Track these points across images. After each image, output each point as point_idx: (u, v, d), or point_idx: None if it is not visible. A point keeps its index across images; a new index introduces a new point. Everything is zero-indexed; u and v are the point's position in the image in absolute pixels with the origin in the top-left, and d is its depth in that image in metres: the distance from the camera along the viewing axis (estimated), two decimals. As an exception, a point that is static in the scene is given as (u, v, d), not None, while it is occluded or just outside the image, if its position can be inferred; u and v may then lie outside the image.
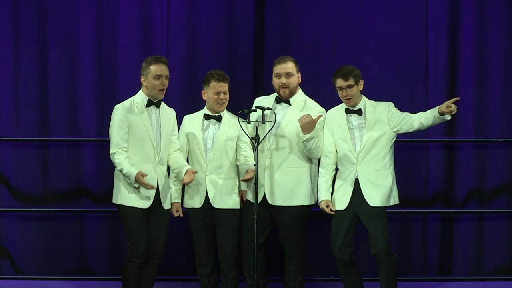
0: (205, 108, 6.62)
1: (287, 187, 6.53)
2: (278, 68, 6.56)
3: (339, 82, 6.38)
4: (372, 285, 6.64)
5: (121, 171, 6.27)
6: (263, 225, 6.54)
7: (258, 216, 6.34)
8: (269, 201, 6.52)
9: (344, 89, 6.37)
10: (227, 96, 6.56)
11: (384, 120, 6.42)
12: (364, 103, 6.46)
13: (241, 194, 6.62)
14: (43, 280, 7.58)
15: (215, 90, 6.50)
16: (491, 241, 7.69)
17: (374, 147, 6.39)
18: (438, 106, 6.31)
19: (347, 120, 6.46)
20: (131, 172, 6.21)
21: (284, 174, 6.54)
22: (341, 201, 6.44)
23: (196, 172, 6.41)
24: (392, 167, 6.46)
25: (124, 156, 6.26)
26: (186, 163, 6.50)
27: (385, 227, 6.39)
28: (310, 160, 6.59)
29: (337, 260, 6.48)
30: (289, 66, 6.55)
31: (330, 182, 6.50)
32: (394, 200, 6.47)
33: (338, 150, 6.48)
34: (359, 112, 6.44)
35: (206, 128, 6.57)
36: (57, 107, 7.64)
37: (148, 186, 6.24)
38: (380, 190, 6.38)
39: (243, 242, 6.54)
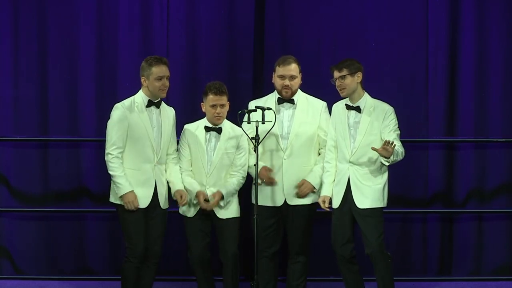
0: (205, 119, 6.59)
1: None
2: (282, 70, 6.56)
3: (334, 73, 6.41)
4: (374, 285, 6.63)
5: (112, 176, 6.28)
6: (279, 233, 6.63)
7: (275, 225, 6.55)
8: (289, 202, 6.54)
9: (337, 80, 6.39)
10: (225, 110, 6.52)
11: (378, 125, 6.40)
12: (365, 101, 6.44)
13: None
14: (43, 280, 7.58)
15: (212, 103, 6.48)
16: (491, 241, 7.69)
17: (367, 151, 6.37)
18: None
19: (347, 116, 6.46)
20: (124, 187, 6.25)
21: (302, 173, 6.56)
22: (335, 199, 6.47)
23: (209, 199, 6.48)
24: (384, 169, 6.43)
25: (120, 162, 6.28)
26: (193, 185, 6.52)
27: (379, 227, 6.38)
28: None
29: (337, 257, 6.49)
30: (292, 67, 6.55)
31: (333, 177, 6.50)
32: (383, 202, 6.43)
33: (337, 145, 6.49)
34: (358, 109, 6.44)
35: (208, 141, 6.56)
36: (57, 107, 7.64)
37: (130, 207, 6.27)
38: (369, 192, 6.36)
39: (258, 251, 6.39)
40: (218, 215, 6.52)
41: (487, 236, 7.70)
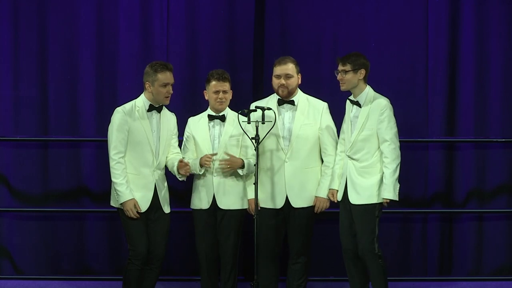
0: (208, 109, 6.62)
1: (307, 188, 6.57)
2: (278, 69, 6.57)
3: (338, 65, 6.42)
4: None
5: (113, 183, 6.30)
6: (279, 234, 6.62)
7: (276, 225, 6.54)
8: (294, 205, 6.54)
9: (339, 73, 6.40)
10: (228, 96, 6.56)
11: (374, 120, 6.39)
12: (366, 95, 6.43)
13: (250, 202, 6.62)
14: (43, 280, 7.58)
15: (215, 89, 6.52)
16: (491, 241, 7.69)
17: (363, 146, 6.37)
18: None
19: (351, 110, 6.47)
20: (125, 195, 6.26)
21: (304, 176, 6.56)
22: (340, 191, 6.50)
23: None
24: (381, 165, 6.40)
25: (122, 168, 6.28)
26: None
27: (371, 225, 6.34)
28: (321, 159, 6.61)
29: (344, 252, 6.48)
30: (289, 67, 6.55)
31: (342, 170, 6.51)
32: (379, 198, 6.37)
33: (344, 139, 6.51)
34: (358, 104, 6.44)
35: (212, 129, 6.57)
36: (57, 107, 7.64)
37: (131, 214, 6.29)
38: (361, 188, 6.36)
39: (258, 251, 6.39)
40: (219, 205, 6.51)
41: (487, 236, 7.70)
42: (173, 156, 6.51)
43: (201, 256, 6.57)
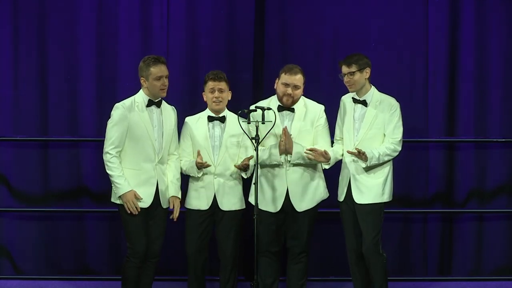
0: (207, 110, 6.62)
1: (309, 191, 6.55)
2: (287, 78, 6.51)
3: (343, 69, 6.41)
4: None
5: (110, 176, 6.29)
6: (280, 233, 6.60)
7: (277, 225, 6.52)
8: (298, 209, 6.52)
9: (346, 75, 6.38)
10: (225, 95, 6.55)
11: (383, 119, 6.40)
12: (372, 95, 6.44)
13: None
14: (43, 280, 7.58)
15: (211, 88, 6.52)
16: (491, 241, 7.69)
17: (369, 145, 6.37)
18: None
19: (353, 109, 6.46)
20: (123, 186, 6.25)
21: (305, 178, 6.54)
22: (340, 191, 6.50)
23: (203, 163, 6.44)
24: (386, 164, 6.42)
25: (118, 162, 6.28)
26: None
27: (376, 225, 6.36)
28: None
29: (348, 252, 6.48)
30: (298, 77, 6.52)
31: (338, 151, 6.49)
32: (384, 198, 6.41)
33: (343, 138, 6.50)
34: (364, 103, 6.43)
35: (212, 131, 6.57)
36: (57, 107, 7.64)
37: (131, 208, 6.26)
38: (366, 188, 6.37)
39: (259, 251, 6.42)
40: (220, 207, 6.51)
41: (487, 236, 7.70)
42: (173, 165, 6.51)
43: (191, 257, 6.55)
